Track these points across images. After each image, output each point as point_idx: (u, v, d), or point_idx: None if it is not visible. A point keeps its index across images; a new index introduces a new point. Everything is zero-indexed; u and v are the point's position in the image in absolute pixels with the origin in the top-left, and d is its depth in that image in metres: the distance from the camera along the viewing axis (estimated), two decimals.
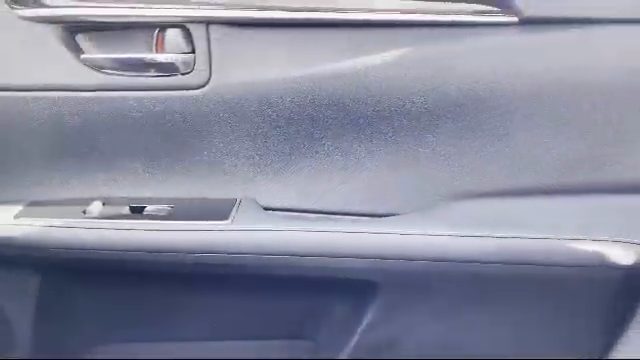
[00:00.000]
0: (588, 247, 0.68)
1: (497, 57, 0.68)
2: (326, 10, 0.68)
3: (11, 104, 0.69)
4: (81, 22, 0.69)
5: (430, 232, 0.69)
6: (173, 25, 0.68)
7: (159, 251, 0.69)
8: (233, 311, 0.78)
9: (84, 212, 0.71)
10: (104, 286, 0.76)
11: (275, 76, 0.68)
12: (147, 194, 0.74)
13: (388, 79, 0.68)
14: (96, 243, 0.69)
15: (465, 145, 0.71)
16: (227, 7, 0.68)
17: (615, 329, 0.72)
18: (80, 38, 0.69)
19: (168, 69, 0.69)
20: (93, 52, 0.70)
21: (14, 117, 0.70)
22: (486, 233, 0.69)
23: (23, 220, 0.70)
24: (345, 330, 0.75)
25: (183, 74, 0.69)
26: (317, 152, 0.73)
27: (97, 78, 0.69)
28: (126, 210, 0.72)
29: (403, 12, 0.69)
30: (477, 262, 0.69)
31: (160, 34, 0.69)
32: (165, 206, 0.72)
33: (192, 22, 0.68)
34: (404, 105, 0.69)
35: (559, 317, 0.71)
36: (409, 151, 0.72)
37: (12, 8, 0.67)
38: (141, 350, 0.81)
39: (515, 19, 0.68)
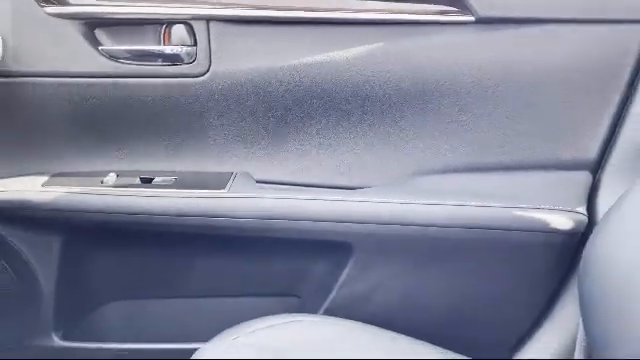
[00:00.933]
0: (535, 215, 0.79)
1: (456, 51, 0.79)
2: (308, 10, 0.78)
3: (39, 89, 0.80)
4: (99, 18, 0.80)
5: (399, 201, 0.80)
6: (178, 21, 0.79)
7: (165, 215, 0.80)
8: (228, 270, 0.89)
9: (101, 182, 0.82)
10: (118, 246, 0.87)
11: (264, 66, 0.79)
12: (155, 167, 0.85)
13: (362, 70, 0.79)
14: (111, 208, 0.80)
15: (430, 127, 0.82)
16: (225, 6, 0.79)
17: (558, 286, 0.83)
18: (98, 32, 0.80)
19: (173, 59, 0.80)
20: (109, 44, 0.80)
21: (42, 100, 0.81)
22: (449, 202, 0.80)
23: (49, 188, 0.81)
24: (325, 287, 0.86)
25: (186, 64, 0.80)
26: (302, 132, 0.84)
27: (113, 67, 0.80)
28: (137, 181, 0.83)
29: (376, 12, 0.79)
30: (440, 227, 0.79)
31: (167, 29, 0.80)
32: (171, 177, 0.83)
33: (194, 19, 0.78)
34: (377, 92, 0.80)
35: (508, 275, 0.82)
36: (382, 132, 0.83)
37: (41, 6, 0.78)
38: (148, 305, 0.92)
39: (472, 18, 0.78)
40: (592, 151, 0.81)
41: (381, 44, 0.79)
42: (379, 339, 0.73)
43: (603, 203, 0.79)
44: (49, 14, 0.78)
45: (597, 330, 0.68)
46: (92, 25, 0.80)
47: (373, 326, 0.76)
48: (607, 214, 0.69)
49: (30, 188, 0.81)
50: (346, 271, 0.83)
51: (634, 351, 0.54)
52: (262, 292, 0.90)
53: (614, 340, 0.61)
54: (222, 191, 0.81)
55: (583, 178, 0.81)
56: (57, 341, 0.88)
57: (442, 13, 0.79)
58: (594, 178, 0.82)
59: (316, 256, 0.86)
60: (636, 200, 0.64)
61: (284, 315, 0.75)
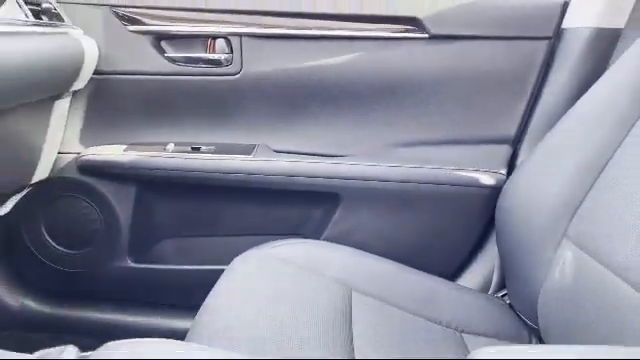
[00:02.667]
0: (469, 174, 1.10)
1: (414, 59, 1.10)
2: (309, 29, 1.10)
3: (122, 83, 1.12)
4: (164, 34, 1.12)
5: (374, 164, 1.12)
6: (220, 37, 1.11)
7: (208, 172, 1.12)
8: (253, 215, 1.21)
9: (164, 149, 1.14)
10: (175, 195, 1.19)
11: (279, 68, 1.11)
12: (201, 140, 1.17)
13: (347, 72, 1.10)
14: (170, 167, 1.12)
15: (395, 114, 1.13)
16: (253, 26, 1.10)
17: (486, 225, 1.14)
18: (163, 43, 1.12)
19: (216, 63, 1.12)
20: (171, 52, 1.12)
21: (123, 90, 1.13)
22: (409, 165, 1.11)
23: (128, 153, 1.13)
24: (321, 226, 1.17)
25: (225, 66, 1.11)
26: (306, 115, 1.15)
27: (173, 68, 1.12)
28: (189, 149, 1.15)
29: (357, 30, 1.10)
30: (402, 182, 1.11)
31: (212, 42, 1.12)
32: (212, 147, 1.15)
33: (231, 35, 1.10)
34: (357, 88, 1.11)
35: (451, 217, 1.13)
36: (362, 117, 1.14)
37: (124, 25, 1.10)
38: (195, 239, 1.24)
39: (426, 35, 1.09)
40: (511, 130, 1.12)
41: (361, 53, 1.10)
42: (358, 253, 1.05)
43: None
44: (130, 31, 1.10)
45: (506, 265, 0.99)
46: (159, 38, 1.12)
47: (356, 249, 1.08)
48: (513, 173, 1.01)
49: (114, 153, 1.14)
50: (336, 214, 1.15)
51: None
52: (277, 231, 1.21)
53: (517, 271, 0.92)
54: (249, 157, 1.13)
55: (505, 150, 1.12)
56: (130, 263, 1.21)
57: (405, 31, 1.09)
58: (513, 150, 1.13)
59: (315, 204, 1.17)
60: (531, 163, 0.95)
61: (294, 239, 1.07)
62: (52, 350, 0.48)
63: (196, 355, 0.54)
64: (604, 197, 0.77)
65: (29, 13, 0.95)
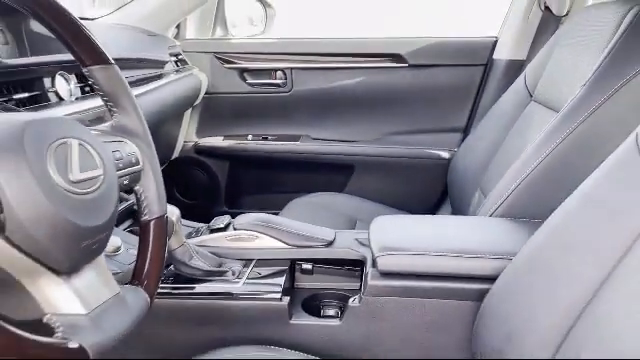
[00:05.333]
0: (433, 151, 1.71)
1: (397, 80, 1.71)
2: (331, 62, 1.73)
3: (220, 99, 1.80)
4: (245, 69, 1.78)
5: (375, 147, 1.74)
6: (279, 70, 1.76)
7: (273, 152, 1.78)
8: (299, 178, 1.85)
9: (246, 138, 1.82)
10: (254, 168, 1.87)
11: (314, 87, 1.75)
12: (268, 132, 1.84)
13: (355, 89, 1.73)
14: (251, 149, 1.80)
15: (385, 115, 1.75)
16: (297, 62, 1.75)
17: (443, 185, 1.74)
18: (245, 74, 1.79)
19: (277, 85, 1.78)
20: (250, 79, 1.79)
21: (221, 104, 1.81)
22: (395, 147, 1.73)
23: (224, 141, 1.82)
24: (343, 185, 1.81)
25: (282, 87, 1.77)
26: (332, 116, 1.79)
27: (251, 89, 1.78)
28: (260, 138, 1.82)
29: (361, 62, 1.72)
30: (392, 157, 1.73)
31: (274, 72, 1.77)
32: (275, 136, 1.81)
33: (286, 69, 1.75)
34: (362, 99, 1.74)
35: (421, 180, 1.74)
36: (366, 116, 1.77)
37: (221, 64, 1.77)
38: (266, 197, 1.91)
39: (406, 65, 1.70)
40: (462, 123, 1.71)
41: (366, 77, 1.73)
42: (361, 200, 1.68)
43: None
44: (225, 67, 1.78)
45: (452, 201, 1.59)
46: (242, 71, 1.79)
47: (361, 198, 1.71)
48: (457, 150, 1.61)
49: (216, 141, 1.83)
50: (352, 177, 1.79)
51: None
52: (314, 189, 1.84)
53: (457, 206, 1.52)
54: (297, 142, 1.78)
55: (458, 136, 1.72)
56: (224, 208, 1.90)
57: (392, 62, 1.71)
58: (463, 136, 1.72)
59: (339, 171, 1.81)
60: (465, 145, 1.55)
61: (324, 193, 1.72)
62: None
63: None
64: (501, 158, 1.35)
65: (173, 61, 1.63)
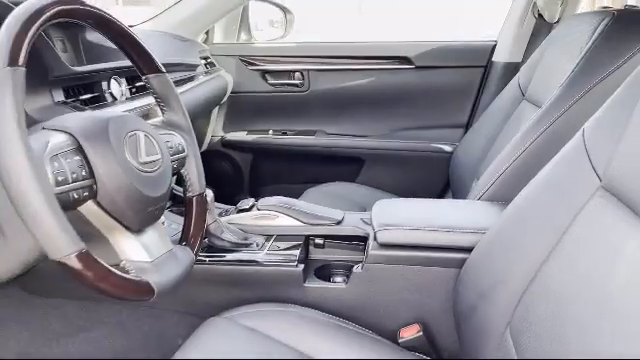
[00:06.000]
0: (437, 145, 1.86)
1: (405, 80, 1.86)
2: (345, 64, 1.89)
3: (244, 98, 1.98)
4: (267, 70, 1.96)
5: (384, 141, 1.90)
6: (297, 71, 1.93)
7: (292, 145, 1.95)
8: (314, 169, 2.02)
9: (267, 133, 1.99)
10: (272, 159, 2.04)
11: (330, 86, 1.92)
12: (287, 128, 2.01)
13: (367, 88, 1.89)
14: (271, 143, 1.97)
15: (395, 111, 1.91)
16: (314, 64, 1.92)
17: (446, 177, 1.89)
18: (267, 75, 1.96)
19: (295, 85, 1.95)
20: (271, 80, 1.96)
21: (245, 102, 1.99)
22: (401, 141, 1.89)
23: (248, 135, 1.99)
24: (354, 175, 1.97)
25: (299, 86, 1.94)
26: (345, 114, 1.95)
27: (272, 89, 1.96)
28: (280, 133, 1.99)
29: (372, 64, 1.88)
30: (399, 150, 1.89)
31: (292, 73, 1.95)
32: (293, 132, 1.98)
33: (304, 70, 1.92)
34: (373, 98, 1.90)
35: (426, 169, 1.89)
36: (376, 113, 1.93)
37: (245, 66, 1.95)
38: (282, 186, 2.09)
39: (413, 66, 1.85)
40: (464, 120, 1.86)
41: (376, 77, 1.89)
42: (373, 190, 1.85)
43: None
44: (249, 69, 1.95)
45: (453, 191, 1.74)
46: (264, 72, 1.96)
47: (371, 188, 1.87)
48: (458, 145, 1.77)
49: (240, 135, 2.01)
50: (363, 168, 1.95)
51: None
52: (329, 179, 2.01)
53: (458, 194, 1.68)
54: (313, 137, 1.95)
55: (460, 131, 1.87)
56: (247, 196, 2.08)
57: (401, 64, 1.87)
58: (464, 131, 1.87)
59: (350, 163, 1.98)
60: (465, 140, 1.71)
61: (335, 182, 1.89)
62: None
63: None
64: (495, 151, 1.50)
65: (203, 64, 1.81)
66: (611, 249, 0.63)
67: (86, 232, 0.63)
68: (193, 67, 1.68)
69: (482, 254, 0.91)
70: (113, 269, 0.63)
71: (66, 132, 0.64)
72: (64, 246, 0.56)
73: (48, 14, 0.62)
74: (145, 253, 0.71)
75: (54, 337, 1.11)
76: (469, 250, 0.94)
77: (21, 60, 0.57)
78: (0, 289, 1.07)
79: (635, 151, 0.66)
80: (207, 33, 1.97)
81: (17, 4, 0.62)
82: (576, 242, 0.71)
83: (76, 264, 0.57)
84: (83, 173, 0.63)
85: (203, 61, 1.81)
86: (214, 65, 1.91)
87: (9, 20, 0.59)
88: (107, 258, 0.67)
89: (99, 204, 0.65)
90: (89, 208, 0.65)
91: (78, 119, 0.67)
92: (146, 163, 0.70)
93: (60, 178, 0.60)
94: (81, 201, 0.63)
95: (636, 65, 0.76)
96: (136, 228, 0.70)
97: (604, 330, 0.58)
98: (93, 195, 0.64)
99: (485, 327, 0.82)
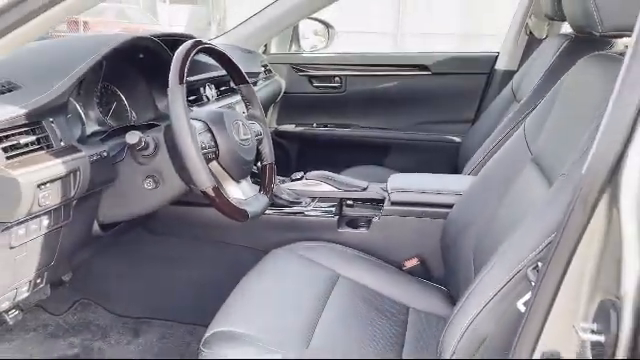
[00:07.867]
0: (447, 137, 2.25)
1: (423, 84, 2.26)
2: (374, 71, 2.30)
3: (293, 98, 2.42)
4: (313, 75, 2.39)
5: (401, 131, 2.30)
6: (337, 76, 2.36)
7: (331, 136, 2.38)
8: (348, 155, 2.43)
9: (312, 126, 2.42)
10: (315, 147, 2.47)
11: (362, 89, 2.34)
12: (327, 122, 2.43)
13: (391, 91, 2.30)
14: (315, 134, 2.40)
15: (414, 110, 2.30)
16: (350, 70, 2.33)
17: (455, 165, 2.27)
18: (312, 79, 2.40)
19: (335, 87, 2.37)
20: (316, 83, 2.39)
21: (299, 102, 2.43)
22: (419, 132, 2.28)
23: (296, 128, 2.43)
24: (379, 161, 2.38)
25: (339, 88, 2.36)
26: (373, 111, 2.36)
27: (316, 90, 2.39)
28: (322, 126, 2.42)
29: (395, 71, 2.28)
30: (412, 140, 2.29)
31: (333, 77, 2.37)
32: (332, 125, 2.41)
33: (342, 75, 2.34)
34: (395, 99, 2.31)
35: (438, 156, 2.29)
36: (397, 110, 2.33)
37: (295, 72, 2.39)
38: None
39: (430, 73, 2.24)
40: (471, 116, 2.24)
41: (399, 82, 2.29)
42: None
43: None
44: (298, 75, 2.39)
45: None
46: (311, 77, 2.40)
47: None
48: (465, 135, 2.16)
49: (290, 127, 2.45)
50: (388, 156, 2.35)
51: None
52: (360, 163, 2.44)
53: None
54: (348, 129, 2.37)
55: (467, 125, 2.24)
56: (296, 175, 2.52)
57: (419, 71, 2.26)
58: (471, 126, 2.24)
59: (377, 150, 2.38)
60: (471, 132, 2.10)
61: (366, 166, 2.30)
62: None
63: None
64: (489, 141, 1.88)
65: (262, 71, 2.26)
66: (528, 197, 1.03)
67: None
68: (256, 74, 2.13)
69: (459, 208, 1.31)
70: (228, 199, 1.07)
71: (202, 120, 1.09)
72: (206, 181, 1.00)
73: (195, 50, 1.07)
74: (241, 194, 1.15)
75: (168, 263, 1.58)
76: (451, 206, 1.34)
77: (184, 79, 1.02)
78: (130, 231, 1.53)
79: (552, 131, 1.05)
80: (265, 45, 2.41)
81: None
82: (513, 195, 1.11)
83: (211, 193, 1.02)
84: (212, 143, 1.08)
85: (262, 68, 2.26)
86: (271, 71, 2.35)
87: (177, 56, 1.03)
88: None
89: (219, 163, 1.09)
90: (214, 165, 1.09)
91: (207, 113, 1.12)
92: (243, 140, 1.15)
93: (202, 146, 1.04)
94: (210, 159, 1.08)
95: (567, 77, 1.12)
96: (237, 178, 1.15)
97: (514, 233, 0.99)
98: (216, 157, 1.09)
99: (460, 253, 1.23)
